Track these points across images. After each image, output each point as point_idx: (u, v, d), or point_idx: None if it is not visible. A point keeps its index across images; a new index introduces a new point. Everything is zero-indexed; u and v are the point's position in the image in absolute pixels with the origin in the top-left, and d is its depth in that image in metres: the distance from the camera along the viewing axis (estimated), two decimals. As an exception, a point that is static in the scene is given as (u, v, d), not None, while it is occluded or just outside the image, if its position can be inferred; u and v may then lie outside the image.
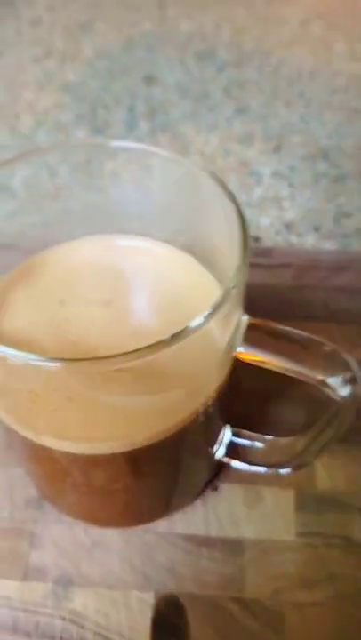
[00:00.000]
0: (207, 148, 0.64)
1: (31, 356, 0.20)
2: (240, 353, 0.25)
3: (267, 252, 0.48)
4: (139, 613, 0.32)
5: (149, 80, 0.73)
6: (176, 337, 0.21)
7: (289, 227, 0.57)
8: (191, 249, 0.31)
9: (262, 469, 0.32)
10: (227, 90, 0.71)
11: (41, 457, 0.28)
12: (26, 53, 0.80)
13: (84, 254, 0.32)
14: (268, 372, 0.26)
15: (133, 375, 0.23)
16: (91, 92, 0.73)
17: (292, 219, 0.57)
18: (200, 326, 0.22)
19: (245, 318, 0.26)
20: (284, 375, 0.25)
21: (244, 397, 0.31)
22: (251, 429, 0.33)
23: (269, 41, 0.79)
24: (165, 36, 0.80)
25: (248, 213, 0.60)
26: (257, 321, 0.26)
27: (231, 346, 0.25)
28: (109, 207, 0.33)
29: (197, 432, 0.29)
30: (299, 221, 0.57)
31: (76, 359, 0.20)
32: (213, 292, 0.30)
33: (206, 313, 0.22)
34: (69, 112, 0.70)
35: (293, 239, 0.55)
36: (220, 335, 0.25)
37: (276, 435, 0.33)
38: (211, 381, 0.26)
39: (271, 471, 0.31)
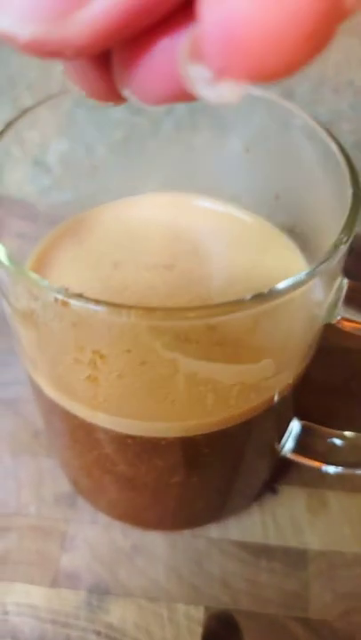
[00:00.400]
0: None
1: (103, 306, 0.16)
2: (341, 320, 0.21)
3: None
4: (186, 631, 0.27)
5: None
6: (276, 293, 0.17)
7: None
8: (269, 212, 0.27)
9: (339, 470, 0.27)
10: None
11: (86, 440, 0.24)
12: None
13: (143, 211, 0.28)
14: (342, 363, 0.22)
15: (219, 337, 0.18)
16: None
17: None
18: (304, 282, 0.18)
19: (346, 281, 0.21)
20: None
21: (315, 389, 0.27)
22: (322, 425, 0.29)
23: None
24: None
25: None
26: (359, 285, 0.21)
27: (330, 313, 0.21)
28: (174, 167, 0.29)
29: (270, 420, 0.24)
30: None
31: (167, 308, 0.16)
32: (293, 258, 0.26)
33: (311, 269, 0.18)
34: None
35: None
36: (317, 298, 0.20)
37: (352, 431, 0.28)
38: (302, 353, 0.22)
39: (348, 471, 0.27)
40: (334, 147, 0.21)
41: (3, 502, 0.31)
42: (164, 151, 0.29)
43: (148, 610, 0.28)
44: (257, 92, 0.24)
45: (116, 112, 0.32)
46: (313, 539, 0.30)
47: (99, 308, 0.16)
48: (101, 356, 0.18)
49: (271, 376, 0.20)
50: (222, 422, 0.21)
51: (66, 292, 0.16)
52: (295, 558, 0.29)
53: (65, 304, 0.17)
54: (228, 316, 0.17)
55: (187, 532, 0.30)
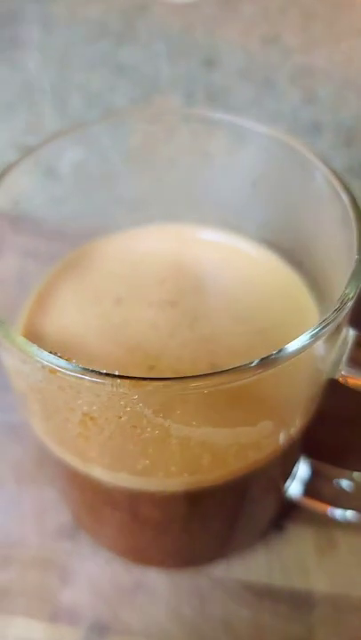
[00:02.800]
0: (271, 139, 0.59)
1: (89, 372, 0.15)
2: (345, 376, 0.20)
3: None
4: (186, 674, 0.27)
5: (209, 64, 0.68)
6: (274, 360, 0.16)
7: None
8: (278, 246, 0.26)
9: (349, 514, 0.26)
10: (293, 77, 0.66)
11: (83, 486, 0.24)
12: (78, 34, 0.75)
13: (147, 244, 0.27)
14: (355, 392, 0.21)
15: (214, 402, 0.17)
16: (145, 74, 0.68)
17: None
18: (309, 346, 0.17)
19: (353, 334, 0.20)
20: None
21: (327, 423, 0.26)
22: (333, 463, 0.28)
23: (340, 27, 0.73)
24: (228, 19, 0.75)
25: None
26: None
27: (334, 368, 0.20)
28: (179, 193, 0.28)
29: (275, 467, 0.23)
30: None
31: (149, 378, 0.15)
32: (301, 297, 0.25)
33: (316, 330, 0.17)
34: (122, 96, 0.66)
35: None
36: (322, 355, 0.19)
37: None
38: (303, 410, 0.21)
39: (358, 516, 0.26)
40: (347, 200, 0.20)
41: (5, 532, 0.31)
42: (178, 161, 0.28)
43: (148, 650, 0.27)
44: (271, 130, 0.23)
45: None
46: (320, 580, 0.29)
47: (87, 377, 0.16)
48: (91, 418, 0.18)
49: (270, 435, 0.20)
50: (221, 478, 0.21)
51: (54, 357, 0.16)
52: (300, 601, 0.28)
53: (53, 371, 0.16)
54: (227, 385, 0.16)
55: (190, 570, 0.29)
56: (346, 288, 0.18)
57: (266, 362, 0.17)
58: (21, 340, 0.16)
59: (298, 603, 0.28)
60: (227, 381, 0.16)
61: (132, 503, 0.23)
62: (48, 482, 0.32)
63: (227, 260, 0.27)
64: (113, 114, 0.26)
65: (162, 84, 0.69)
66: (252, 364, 0.16)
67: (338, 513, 0.27)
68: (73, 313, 0.25)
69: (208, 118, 0.26)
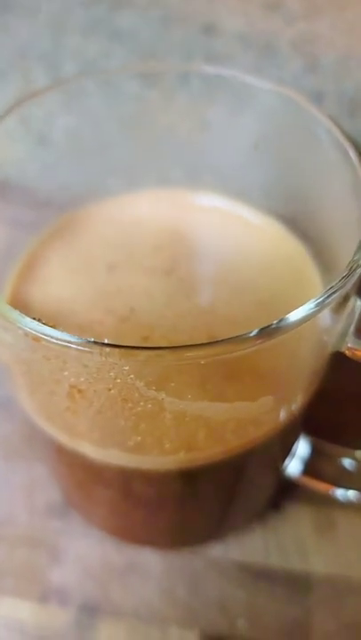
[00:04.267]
0: (271, 108, 0.57)
1: (75, 339, 0.14)
2: (352, 349, 0.19)
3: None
4: (179, 656, 0.26)
5: (208, 30, 0.66)
6: (276, 329, 0.15)
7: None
8: (281, 213, 0.25)
9: (352, 494, 0.25)
10: (295, 44, 0.63)
11: (72, 463, 0.22)
12: (73, -3, 0.73)
13: (141, 209, 0.26)
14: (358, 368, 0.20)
15: (210, 375, 0.16)
16: (142, 40, 0.66)
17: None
18: (317, 312, 0.15)
19: (360, 304, 0.19)
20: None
21: (330, 399, 0.24)
22: (335, 441, 0.26)
23: (345, -6, 0.70)
24: (228, -16, 0.72)
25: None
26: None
27: (340, 340, 0.19)
28: (176, 157, 0.26)
29: (275, 445, 0.22)
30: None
31: (141, 347, 0.14)
32: (304, 267, 0.24)
33: (322, 298, 0.15)
34: (118, 62, 0.63)
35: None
36: (327, 326, 0.18)
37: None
38: (305, 385, 0.20)
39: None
40: (357, 162, 0.19)
41: (-7, 509, 0.29)
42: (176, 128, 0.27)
43: (140, 631, 0.26)
44: (276, 86, 0.21)
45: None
46: (318, 561, 0.28)
47: (73, 345, 0.14)
48: (79, 391, 0.16)
49: (271, 411, 0.18)
50: (218, 455, 0.19)
51: (37, 324, 0.14)
52: (298, 582, 0.28)
53: (37, 339, 0.15)
54: (225, 355, 0.15)
55: (184, 550, 0.28)
56: (355, 254, 0.17)
57: (266, 331, 0.15)
58: (2, 305, 0.15)
59: (295, 584, 0.27)
60: (225, 352, 0.15)
61: (123, 481, 0.22)
62: (37, 458, 0.31)
63: (226, 226, 0.25)
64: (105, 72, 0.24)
65: (159, 51, 0.67)
66: (252, 334, 0.15)
67: (339, 493, 0.26)
68: (62, 280, 0.24)
69: (207, 74, 0.24)
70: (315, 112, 0.21)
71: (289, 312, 0.22)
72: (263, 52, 0.66)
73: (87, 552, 0.28)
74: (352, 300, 0.18)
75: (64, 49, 0.71)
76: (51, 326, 0.14)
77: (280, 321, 0.15)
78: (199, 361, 0.15)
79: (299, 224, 0.24)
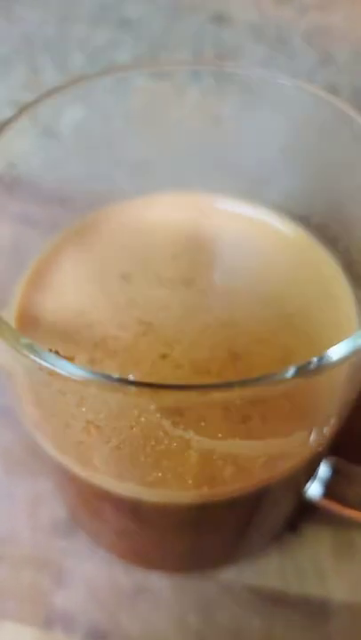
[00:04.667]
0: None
1: (97, 376, 0.12)
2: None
3: None
4: None
5: (219, 20, 0.64)
6: (326, 366, 0.13)
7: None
8: (309, 220, 0.23)
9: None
10: (308, 36, 0.62)
11: (81, 489, 0.21)
12: (79, -17, 0.70)
13: (159, 214, 0.24)
14: None
15: (242, 414, 0.15)
16: (151, 30, 0.64)
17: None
18: (356, 352, 0.14)
19: None
20: None
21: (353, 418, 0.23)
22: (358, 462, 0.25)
23: (360, -17, 0.69)
24: (239, -29, 0.70)
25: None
26: None
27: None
28: (194, 157, 0.24)
29: (300, 474, 0.21)
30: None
31: (175, 386, 0.12)
32: (335, 280, 0.22)
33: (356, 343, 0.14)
34: (126, 52, 0.62)
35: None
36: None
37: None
38: (339, 416, 0.18)
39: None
40: None
41: (-6, 526, 0.28)
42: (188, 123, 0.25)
43: (150, 661, 0.25)
44: (305, 85, 0.19)
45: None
46: (337, 587, 0.27)
47: (93, 383, 0.13)
48: (97, 427, 0.15)
49: (302, 444, 0.17)
50: (243, 490, 0.18)
51: (55, 357, 0.13)
52: (316, 609, 0.26)
53: (53, 374, 0.13)
54: (259, 395, 0.13)
55: (196, 575, 0.27)
56: None
57: (305, 371, 0.14)
58: (13, 333, 0.13)
59: (313, 611, 0.26)
60: (260, 392, 0.13)
61: (136, 510, 0.20)
62: (41, 472, 0.29)
63: (249, 234, 0.24)
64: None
65: (168, 41, 0.65)
66: (289, 374, 0.13)
67: (362, 517, 0.24)
68: (74, 290, 0.22)
69: (228, 74, 0.23)
70: (351, 113, 0.19)
71: (317, 329, 0.20)
72: (275, 43, 0.65)
73: (94, 574, 0.27)
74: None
75: (70, 37, 0.69)
76: (69, 360, 0.13)
77: (320, 359, 0.13)
78: (234, 401, 0.13)
79: (328, 232, 0.23)
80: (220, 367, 0.20)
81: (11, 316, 0.22)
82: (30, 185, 0.24)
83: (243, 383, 0.13)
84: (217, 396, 0.13)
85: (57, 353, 0.13)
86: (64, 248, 0.23)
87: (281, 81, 0.21)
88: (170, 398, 0.12)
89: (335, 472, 0.25)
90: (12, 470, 0.30)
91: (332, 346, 0.19)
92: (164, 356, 0.20)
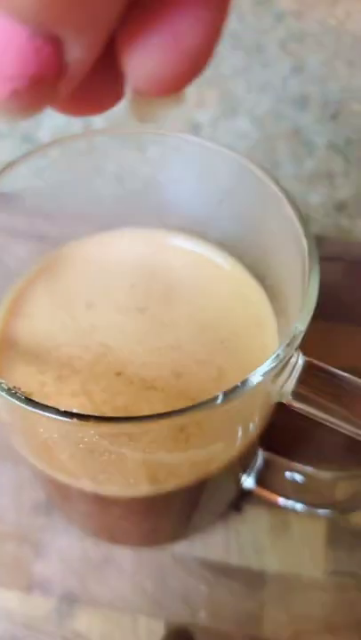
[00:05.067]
0: (258, 110, 0.59)
1: (48, 411, 0.17)
2: (292, 400, 0.21)
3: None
4: (147, 642, 0.29)
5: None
6: (231, 396, 0.18)
7: (340, 208, 0.52)
8: (243, 258, 0.27)
9: (298, 506, 0.28)
10: (283, 43, 0.64)
11: (50, 480, 0.25)
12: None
13: (119, 248, 0.28)
14: None
15: (168, 431, 0.19)
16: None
17: (345, 199, 0.52)
18: (260, 384, 0.18)
19: (301, 360, 0.22)
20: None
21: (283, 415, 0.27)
22: (286, 455, 0.29)
23: (336, -12, 0.71)
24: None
25: (296, 188, 0.55)
26: (313, 363, 0.22)
27: (281, 393, 0.21)
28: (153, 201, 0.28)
29: (229, 472, 0.25)
30: (352, 202, 0.52)
31: (108, 418, 0.17)
32: (262, 310, 0.26)
33: (268, 367, 0.18)
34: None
35: (344, 222, 0.50)
36: (272, 382, 0.21)
37: (316, 465, 0.29)
38: (254, 429, 0.23)
39: (307, 510, 0.28)
40: (300, 231, 0.21)
41: (-17, 507, 0.33)
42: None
43: (113, 620, 0.30)
44: (238, 157, 0.23)
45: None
46: (272, 560, 0.31)
47: (45, 415, 0.17)
48: (54, 442, 0.19)
49: (221, 452, 0.21)
50: (177, 486, 0.23)
51: (13, 397, 0.17)
52: (254, 579, 0.31)
53: (14, 406, 0.17)
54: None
55: (153, 548, 0.32)
56: (297, 322, 0.20)
57: (229, 397, 0.18)
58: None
59: (251, 581, 0.31)
60: (187, 419, 0.17)
61: (95, 500, 0.25)
62: (23, 461, 0.34)
63: (195, 267, 0.28)
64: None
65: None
66: (218, 401, 0.17)
67: (288, 503, 0.29)
68: (46, 316, 0.26)
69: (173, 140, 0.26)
70: (272, 186, 0.23)
71: (245, 353, 0.25)
72: (252, 51, 0.67)
73: (67, 547, 0.32)
74: (295, 357, 0.21)
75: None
76: (25, 398, 0.17)
77: (243, 384, 0.18)
78: (156, 429, 0.17)
79: (258, 270, 0.27)
80: (165, 384, 0.25)
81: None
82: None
83: (173, 413, 0.17)
84: (143, 425, 0.17)
85: (16, 390, 0.17)
86: (37, 279, 0.27)
87: (210, 145, 0.24)
88: (104, 428, 0.17)
89: (265, 464, 0.30)
90: (0, 460, 0.34)
91: (258, 366, 0.24)
92: (118, 374, 0.25)
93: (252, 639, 0.30)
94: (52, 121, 0.56)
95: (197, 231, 0.28)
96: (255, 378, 0.18)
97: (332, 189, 0.53)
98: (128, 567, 0.31)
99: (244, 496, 0.33)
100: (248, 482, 0.29)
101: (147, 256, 0.28)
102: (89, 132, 0.25)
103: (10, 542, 0.32)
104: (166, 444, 0.19)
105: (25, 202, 0.27)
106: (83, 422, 0.17)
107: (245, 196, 0.25)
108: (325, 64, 0.66)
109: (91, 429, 0.17)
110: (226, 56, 0.66)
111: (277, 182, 0.23)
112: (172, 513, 0.28)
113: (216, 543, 0.32)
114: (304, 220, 0.22)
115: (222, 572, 0.31)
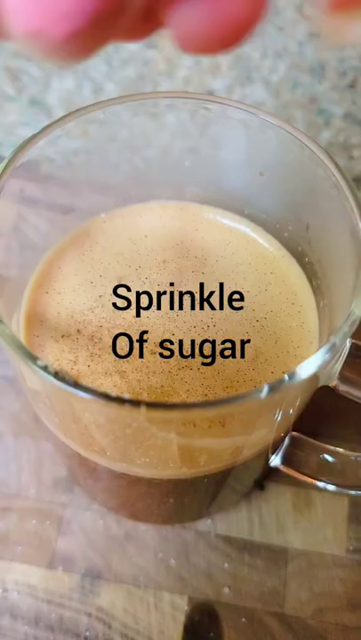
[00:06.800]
0: (273, 77, 0.57)
1: (100, 398, 0.16)
2: (338, 383, 0.21)
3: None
4: (170, 618, 0.30)
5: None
6: (295, 383, 0.17)
7: (358, 180, 0.51)
8: (280, 231, 0.26)
9: (329, 487, 0.28)
10: (300, 6, 0.62)
11: (80, 461, 0.25)
12: None
13: (151, 221, 0.27)
14: None
15: (217, 420, 0.19)
16: None
17: (363, 172, 0.51)
18: (320, 369, 0.17)
19: (349, 343, 0.21)
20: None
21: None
22: (315, 436, 0.29)
23: None
24: None
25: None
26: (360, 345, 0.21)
27: (329, 376, 0.21)
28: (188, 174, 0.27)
29: (264, 454, 0.25)
30: (370, 176, 0.51)
31: (154, 403, 0.16)
32: (300, 288, 0.26)
33: (320, 361, 0.18)
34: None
35: (361, 196, 0.49)
36: (324, 371, 0.20)
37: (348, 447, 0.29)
38: (296, 414, 0.22)
39: (337, 490, 0.28)
40: (353, 207, 0.20)
41: (4, 483, 0.32)
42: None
43: (136, 596, 0.30)
44: (283, 124, 0.22)
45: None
46: (295, 538, 0.31)
47: (96, 401, 0.16)
48: (98, 426, 0.19)
49: (265, 436, 0.21)
50: (215, 469, 0.22)
51: (61, 384, 0.16)
52: (277, 556, 0.31)
53: (63, 391, 0.17)
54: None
55: (177, 525, 0.31)
56: (354, 307, 0.19)
57: (276, 390, 0.17)
58: (27, 353, 0.17)
59: (274, 558, 0.31)
60: (236, 410, 0.17)
61: (127, 480, 0.24)
62: (45, 436, 0.33)
63: (228, 243, 0.27)
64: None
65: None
66: (263, 395, 0.17)
67: (320, 485, 0.29)
68: (76, 293, 0.26)
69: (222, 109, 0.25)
70: (322, 157, 0.22)
71: (281, 333, 0.24)
72: (268, 14, 0.65)
73: (90, 524, 0.32)
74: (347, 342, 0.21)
75: None
76: (76, 383, 0.16)
77: (291, 378, 0.17)
78: (207, 415, 0.17)
79: (297, 247, 0.26)
80: (200, 364, 0.24)
81: (21, 313, 0.25)
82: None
83: (220, 403, 0.16)
84: (196, 413, 0.16)
85: (64, 376, 0.16)
86: (66, 253, 0.26)
87: (267, 119, 0.23)
88: (157, 414, 0.16)
89: (292, 443, 0.29)
90: (19, 435, 0.34)
91: (294, 348, 0.23)
92: (152, 353, 0.24)
93: (274, 616, 0.30)
94: (60, 84, 0.54)
95: (232, 205, 0.27)
96: (308, 369, 0.18)
97: (350, 161, 0.52)
98: (151, 544, 0.31)
99: (267, 475, 0.32)
100: (275, 461, 0.29)
101: (178, 230, 0.27)
102: (111, 100, 0.24)
103: (32, 519, 0.32)
104: (212, 431, 0.19)
105: (54, 175, 0.26)
106: (134, 408, 0.16)
107: (289, 170, 0.24)
108: (343, 30, 0.64)
109: (141, 415, 0.17)
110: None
111: (327, 152, 0.22)
112: (200, 493, 0.28)
113: (239, 521, 0.32)
114: (356, 195, 0.21)
115: (245, 549, 0.31)
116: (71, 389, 0.16)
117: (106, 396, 0.16)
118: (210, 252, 0.27)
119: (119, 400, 0.16)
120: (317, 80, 0.59)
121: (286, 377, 0.17)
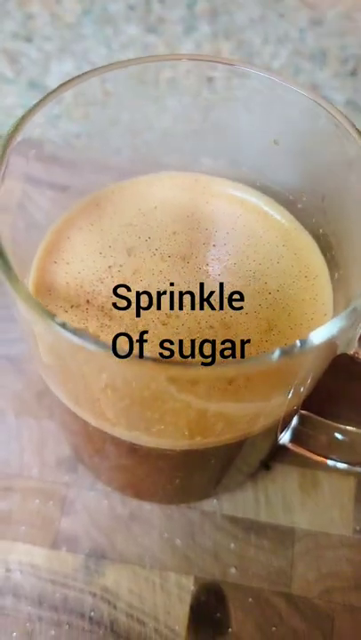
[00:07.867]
0: (275, 63, 0.56)
1: (123, 356, 0.16)
2: (357, 351, 0.21)
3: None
4: (177, 599, 0.29)
5: (213, -28, 0.64)
6: (307, 349, 0.17)
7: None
8: (294, 206, 0.26)
9: (339, 465, 0.28)
10: (301, -6, 0.62)
11: (89, 434, 0.24)
12: None
13: (162, 192, 0.27)
14: None
15: (234, 382, 0.18)
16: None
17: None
18: (335, 336, 0.17)
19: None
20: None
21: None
22: (324, 415, 0.29)
23: None
24: None
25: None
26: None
27: (348, 344, 0.21)
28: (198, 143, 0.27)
29: (277, 426, 0.25)
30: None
31: (185, 362, 0.16)
32: (314, 261, 0.25)
33: (336, 328, 0.17)
34: (120, 1, 0.62)
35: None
36: (342, 337, 0.20)
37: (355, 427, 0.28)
38: (313, 381, 0.22)
39: (349, 468, 0.28)
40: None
41: (6, 462, 0.32)
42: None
43: (142, 576, 0.30)
44: (306, 90, 0.21)
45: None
46: (302, 518, 0.31)
47: (116, 359, 0.16)
48: (114, 389, 0.18)
49: (282, 404, 0.21)
50: (229, 439, 0.22)
51: (84, 340, 0.16)
52: (284, 536, 0.31)
53: (80, 348, 0.16)
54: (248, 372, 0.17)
55: (183, 505, 0.31)
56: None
57: (289, 354, 0.17)
58: (45, 311, 0.16)
59: (281, 538, 0.31)
60: (244, 370, 0.17)
61: (136, 453, 0.24)
62: (48, 415, 0.33)
63: (240, 215, 0.27)
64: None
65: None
66: (275, 357, 0.16)
67: (330, 463, 0.28)
68: (85, 263, 0.25)
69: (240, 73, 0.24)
70: (341, 120, 0.22)
71: (296, 304, 0.24)
72: (269, 0, 0.65)
73: (94, 503, 0.31)
74: None
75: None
76: (96, 339, 0.16)
77: (303, 344, 0.17)
78: (227, 374, 0.17)
79: (311, 219, 0.26)
80: (213, 336, 0.23)
81: (29, 283, 0.25)
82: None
83: (237, 362, 0.16)
84: (218, 371, 0.16)
85: (85, 332, 0.16)
86: (75, 222, 0.26)
87: (286, 84, 0.23)
88: (180, 372, 0.16)
89: (301, 422, 0.29)
90: (21, 414, 0.33)
91: (307, 320, 0.23)
92: (164, 324, 0.24)
93: (281, 596, 0.29)
94: (59, 67, 0.53)
95: (244, 176, 0.26)
96: (321, 335, 0.17)
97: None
98: (157, 524, 0.31)
99: (274, 455, 0.32)
100: (284, 438, 0.28)
101: (188, 202, 0.27)
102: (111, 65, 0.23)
103: (35, 499, 0.31)
104: (231, 394, 0.18)
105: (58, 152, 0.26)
106: (155, 365, 0.16)
107: (307, 139, 0.23)
108: (345, 17, 0.64)
109: (163, 374, 0.16)
110: (242, 5, 0.63)
111: (348, 119, 0.21)
112: (208, 470, 0.27)
113: (245, 501, 0.31)
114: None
115: (252, 529, 0.31)
116: (93, 345, 0.16)
117: (127, 353, 0.16)
118: (221, 224, 0.26)
119: (141, 357, 0.16)
120: (319, 67, 0.58)
121: (298, 342, 0.17)
